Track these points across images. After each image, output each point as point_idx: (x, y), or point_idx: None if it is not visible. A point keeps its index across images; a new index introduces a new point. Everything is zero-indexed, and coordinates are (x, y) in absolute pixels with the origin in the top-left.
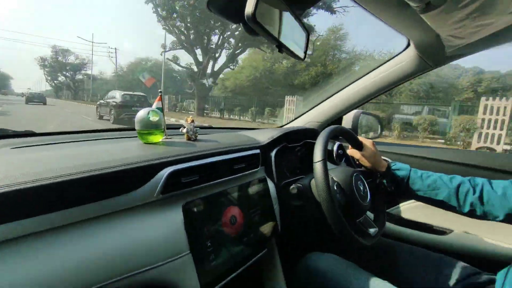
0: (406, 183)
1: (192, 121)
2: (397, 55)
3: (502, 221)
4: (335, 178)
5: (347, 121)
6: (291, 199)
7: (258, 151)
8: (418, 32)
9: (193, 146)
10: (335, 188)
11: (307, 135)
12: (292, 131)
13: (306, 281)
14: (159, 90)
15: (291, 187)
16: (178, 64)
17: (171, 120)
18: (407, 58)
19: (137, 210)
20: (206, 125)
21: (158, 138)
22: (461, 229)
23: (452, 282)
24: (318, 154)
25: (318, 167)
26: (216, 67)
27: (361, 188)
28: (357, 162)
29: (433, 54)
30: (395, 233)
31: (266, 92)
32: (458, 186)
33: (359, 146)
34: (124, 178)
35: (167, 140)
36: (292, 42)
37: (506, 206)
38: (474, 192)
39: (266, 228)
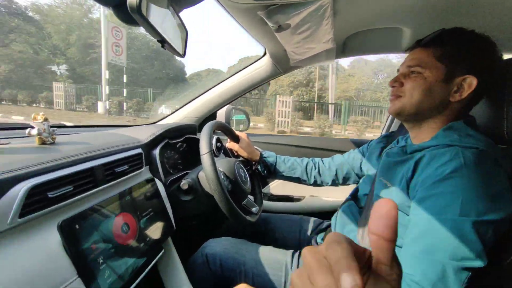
0: (274, 167)
1: (45, 119)
2: (257, 61)
3: (330, 185)
4: (220, 168)
5: (220, 115)
6: (181, 195)
7: (140, 150)
8: (272, 44)
9: (56, 151)
10: (222, 177)
11: (187, 130)
12: (173, 128)
13: (205, 266)
14: None
15: (182, 183)
16: None
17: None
18: (265, 64)
19: None
20: (66, 123)
21: None
22: (309, 195)
23: (308, 232)
24: (204, 146)
25: (206, 158)
26: None
27: (242, 175)
28: (235, 153)
29: (282, 63)
30: (268, 207)
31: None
32: (306, 164)
33: (236, 139)
34: None
35: (4, 146)
36: (173, 38)
37: (331, 175)
38: (315, 168)
39: (161, 229)
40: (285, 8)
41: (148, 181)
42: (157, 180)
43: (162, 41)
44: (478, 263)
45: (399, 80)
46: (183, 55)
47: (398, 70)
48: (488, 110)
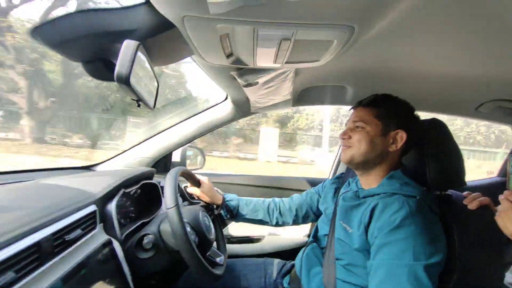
0: (237, 210)
1: None
2: (217, 104)
3: (291, 225)
4: (185, 220)
5: (175, 155)
6: (139, 253)
7: (94, 207)
8: (235, 92)
9: None
10: (189, 230)
11: (144, 176)
12: (132, 177)
13: None
14: None
15: (144, 241)
16: None
17: None
18: (225, 107)
19: None
20: None
21: None
22: (267, 233)
23: (274, 275)
24: (170, 200)
25: (172, 213)
26: None
27: (207, 223)
28: (195, 198)
29: (243, 108)
30: (229, 251)
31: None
32: (268, 206)
33: (197, 183)
34: None
35: None
36: (147, 94)
37: (291, 215)
38: (277, 209)
39: None
40: (256, 70)
41: (105, 244)
42: (112, 239)
43: (138, 101)
44: None
45: (348, 133)
46: (153, 108)
47: (346, 124)
48: (415, 161)
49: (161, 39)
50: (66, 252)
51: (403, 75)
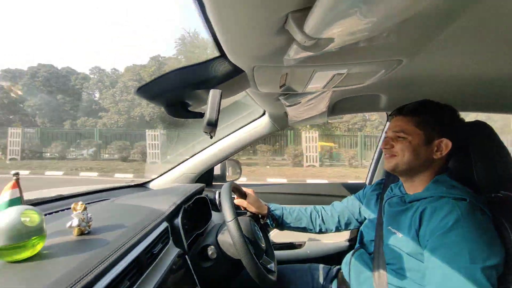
0: (282, 219)
1: (85, 208)
2: (254, 120)
3: (334, 232)
4: None
5: (216, 169)
6: (202, 262)
7: (166, 224)
8: (274, 109)
9: (99, 244)
10: (245, 240)
11: (197, 192)
12: (189, 195)
13: None
14: (14, 173)
15: (210, 252)
16: None
17: None
18: (263, 123)
19: None
20: (64, 193)
21: (37, 248)
22: (308, 238)
23: (321, 280)
24: (229, 214)
25: (232, 226)
26: None
27: (258, 232)
28: (242, 209)
29: (280, 122)
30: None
31: None
32: (311, 213)
33: (243, 195)
34: None
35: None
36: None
37: (334, 222)
38: (319, 217)
39: None
40: (301, 94)
41: (179, 256)
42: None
43: (211, 132)
44: None
45: (390, 143)
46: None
47: (386, 132)
48: (460, 164)
49: (231, 82)
50: (154, 263)
51: (441, 79)
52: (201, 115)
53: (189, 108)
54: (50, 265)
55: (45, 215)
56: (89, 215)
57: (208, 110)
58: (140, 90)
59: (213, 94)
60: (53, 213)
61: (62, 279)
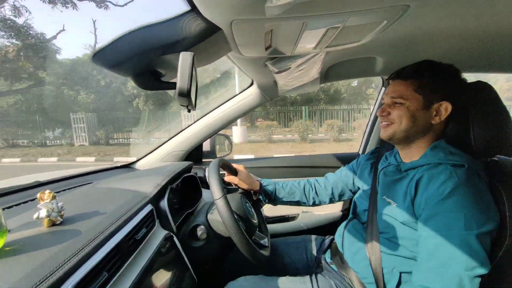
0: (274, 194)
1: (54, 196)
2: (242, 91)
3: (328, 203)
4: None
5: (205, 145)
6: (192, 242)
7: (150, 206)
8: (262, 77)
9: (73, 234)
10: (236, 217)
11: (185, 171)
12: (175, 174)
13: None
14: None
15: (199, 232)
16: None
17: None
18: (252, 93)
19: None
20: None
21: None
22: (301, 211)
23: (314, 252)
24: (216, 192)
25: (220, 203)
26: None
27: (249, 209)
28: (234, 186)
29: (270, 92)
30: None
31: None
32: (304, 187)
33: (234, 172)
34: None
35: (13, 238)
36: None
37: (327, 194)
38: (312, 189)
39: (186, 285)
40: (291, 57)
41: (167, 239)
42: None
43: (188, 106)
44: (486, 270)
45: (386, 110)
46: (195, 108)
47: (382, 99)
48: (457, 128)
49: (206, 43)
50: (138, 249)
51: (443, 37)
52: (175, 85)
53: (162, 78)
54: (14, 262)
55: (17, 205)
56: (59, 204)
57: (179, 76)
58: (96, 56)
59: (184, 57)
60: (29, 202)
61: (27, 277)
